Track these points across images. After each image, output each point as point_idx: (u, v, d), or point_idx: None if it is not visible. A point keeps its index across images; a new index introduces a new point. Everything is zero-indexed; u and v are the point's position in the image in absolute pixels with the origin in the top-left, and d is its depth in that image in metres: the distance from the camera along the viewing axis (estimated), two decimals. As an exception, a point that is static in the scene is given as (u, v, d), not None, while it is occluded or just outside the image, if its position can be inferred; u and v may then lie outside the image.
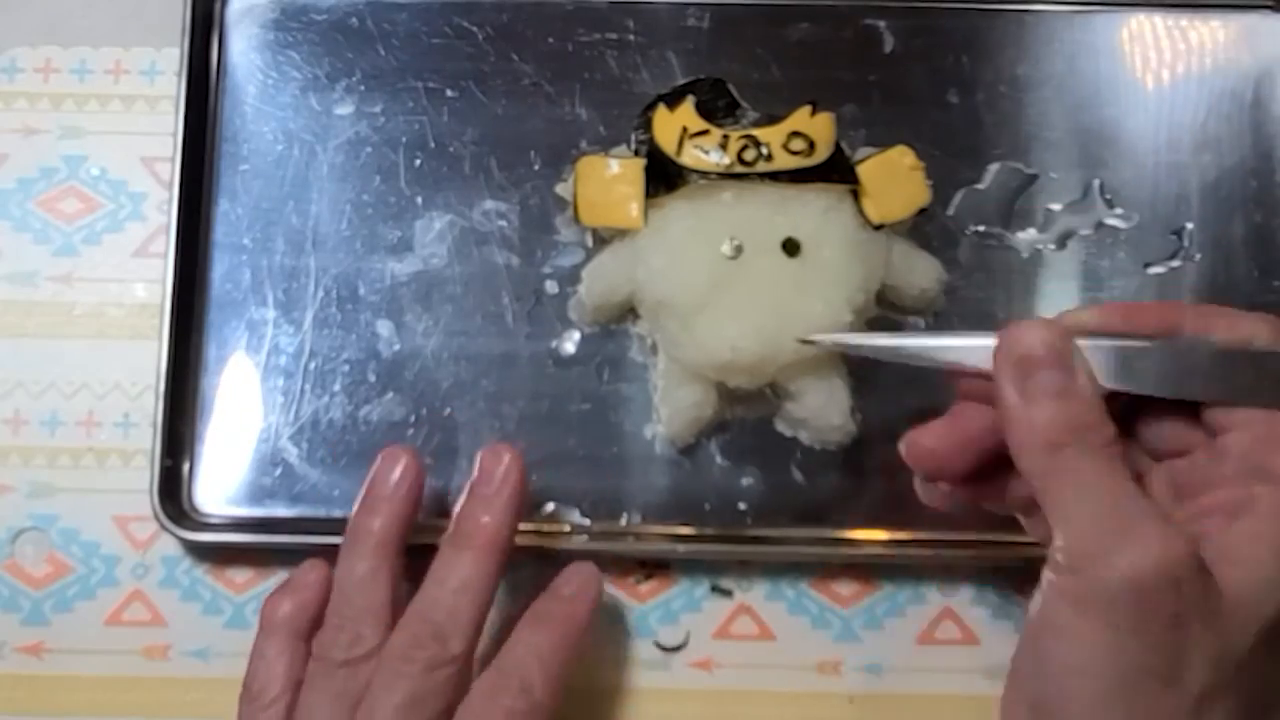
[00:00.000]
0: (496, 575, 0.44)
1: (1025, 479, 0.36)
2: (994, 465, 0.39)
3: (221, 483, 0.49)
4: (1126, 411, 0.38)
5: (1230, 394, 0.36)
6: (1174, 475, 0.38)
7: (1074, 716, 0.34)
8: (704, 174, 0.46)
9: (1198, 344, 0.37)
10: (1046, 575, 0.35)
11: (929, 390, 0.49)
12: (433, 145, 0.51)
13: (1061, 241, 0.51)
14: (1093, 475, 0.35)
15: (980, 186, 0.51)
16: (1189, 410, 0.37)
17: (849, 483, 0.49)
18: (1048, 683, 0.35)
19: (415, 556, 0.48)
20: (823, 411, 0.47)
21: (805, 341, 0.44)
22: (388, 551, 0.44)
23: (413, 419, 0.49)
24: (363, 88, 0.52)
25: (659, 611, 0.49)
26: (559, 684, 0.43)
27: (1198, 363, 0.37)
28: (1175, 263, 0.51)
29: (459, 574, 0.43)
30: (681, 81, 0.50)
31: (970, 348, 0.38)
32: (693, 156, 0.47)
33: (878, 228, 0.47)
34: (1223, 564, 0.34)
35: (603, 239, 0.49)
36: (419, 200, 0.51)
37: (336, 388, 0.49)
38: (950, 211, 0.51)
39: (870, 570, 0.49)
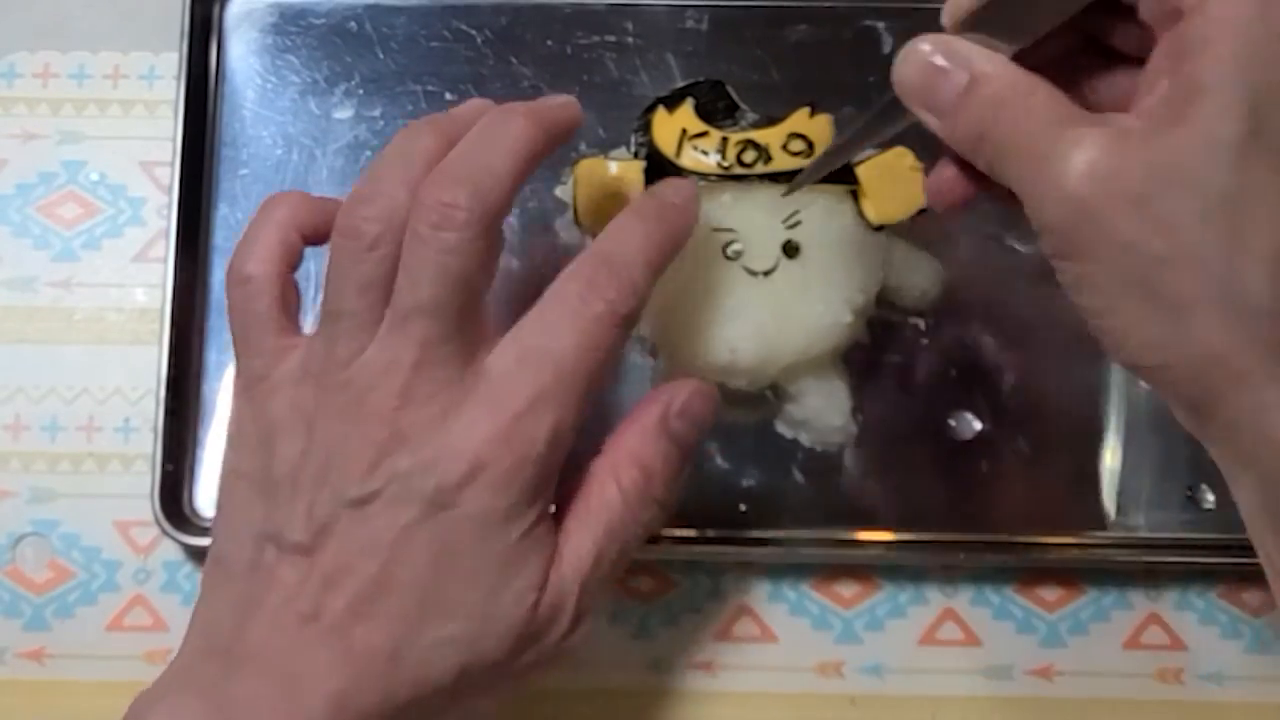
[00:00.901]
0: (543, 148, 0.40)
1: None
2: None
3: (222, 487, 0.49)
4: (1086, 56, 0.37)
5: None
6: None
7: (1138, 347, 0.33)
8: (703, 176, 0.46)
9: None
10: (1053, 264, 0.34)
11: (929, 391, 0.49)
12: (432, 148, 0.51)
13: (1061, 241, 0.51)
14: (1014, 129, 0.33)
15: (980, 187, 0.51)
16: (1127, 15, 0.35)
17: (850, 484, 0.49)
18: (1103, 337, 0.34)
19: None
20: (823, 413, 0.47)
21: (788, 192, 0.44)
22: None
23: (413, 422, 0.49)
24: (361, 91, 0.52)
25: (660, 614, 0.49)
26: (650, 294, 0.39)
27: None
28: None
29: (502, 134, 0.38)
30: (680, 84, 0.50)
31: (892, 104, 0.38)
32: (692, 158, 0.47)
33: (877, 229, 0.47)
34: (1176, 112, 0.31)
35: (602, 241, 0.49)
36: (418, 203, 0.51)
37: (337, 391, 0.49)
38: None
39: (871, 571, 0.49)
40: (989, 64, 0.34)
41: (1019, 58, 0.35)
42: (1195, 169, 0.31)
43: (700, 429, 0.40)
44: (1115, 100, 0.36)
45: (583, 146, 0.51)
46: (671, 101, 0.48)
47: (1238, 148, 0.31)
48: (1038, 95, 0.33)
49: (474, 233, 0.37)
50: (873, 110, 0.39)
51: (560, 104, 0.41)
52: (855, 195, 0.47)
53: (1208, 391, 0.32)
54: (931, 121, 0.36)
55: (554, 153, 0.50)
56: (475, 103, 0.41)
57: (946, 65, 0.35)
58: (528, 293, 0.49)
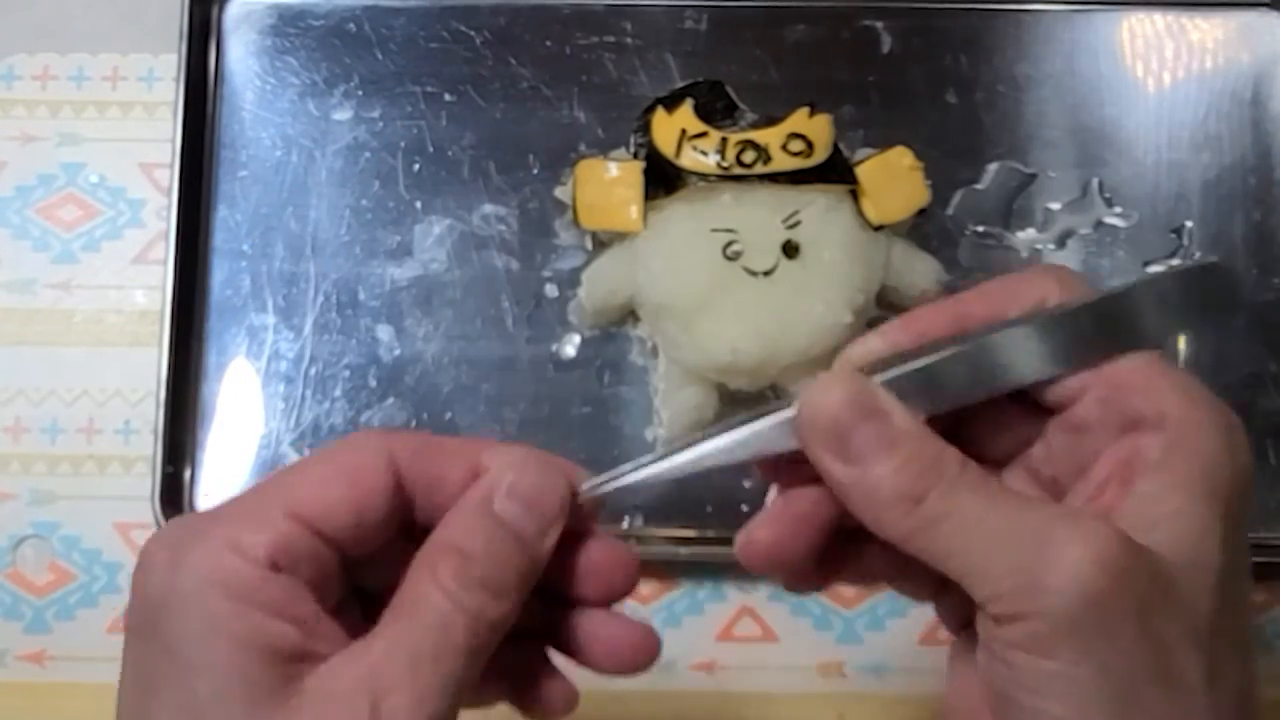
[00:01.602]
0: None
1: (895, 546, 0.31)
2: (841, 543, 0.34)
3: (223, 489, 0.49)
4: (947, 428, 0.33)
5: (1052, 364, 0.32)
6: (1034, 474, 0.34)
7: None
8: (703, 176, 0.46)
9: (994, 331, 0.32)
10: (984, 638, 0.30)
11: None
12: (431, 150, 0.51)
13: (1061, 241, 0.51)
14: (971, 508, 0.30)
15: (979, 186, 0.51)
16: (1016, 400, 0.33)
17: (850, 484, 0.49)
18: None
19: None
20: (824, 413, 0.47)
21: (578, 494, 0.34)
22: None
23: (414, 424, 0.49)
24: (361, 93, 0.52)
25: (661, 614, 0.49)
26: None
27: (1005, 349, 0.32)
28: (1175, 261, 0.51)
29: None
30: (680, 84, 0.50)
31: (767, 431, 0.32)
32: (691, 159, 0.47)
33: (877, 228, 0.47)
34: (1144, 534, 0.29)
35: (602, 242, 0.49)
36: (418, 205, 0.51)
37: (337, 393, 0.49)
38: (949, 211, 0.51)
39: (872, 571, 0.49)
40: (910, 419, 0.31)
41: None
42: (1190, 594, 0.30)
43: (538, 511, 0.33)
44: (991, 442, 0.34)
45: (582, 147, 0.51)
46: (671, 102, 0.48)
47: (1221, 574, 0.30)
48: (973, 466, 0.31)
49: None
50: (753, 426, 0.33)
51: None
52: (855, 195, 0.47)
53: None
54: (836, 469, 0.31)
55: (554, 153, 0.51)
56: None
57: (870, 409, 0.31)
58: (526, 292, 0.50)
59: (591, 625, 0.35)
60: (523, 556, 0.32)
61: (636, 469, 0.34)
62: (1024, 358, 0.32)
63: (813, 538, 0.33)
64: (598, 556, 0.35)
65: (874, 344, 0.33)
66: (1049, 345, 0.32)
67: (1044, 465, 0.33)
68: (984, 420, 0.33)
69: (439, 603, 0.31)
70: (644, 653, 0.35)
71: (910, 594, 0.36)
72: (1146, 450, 0.30)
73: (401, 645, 0.30)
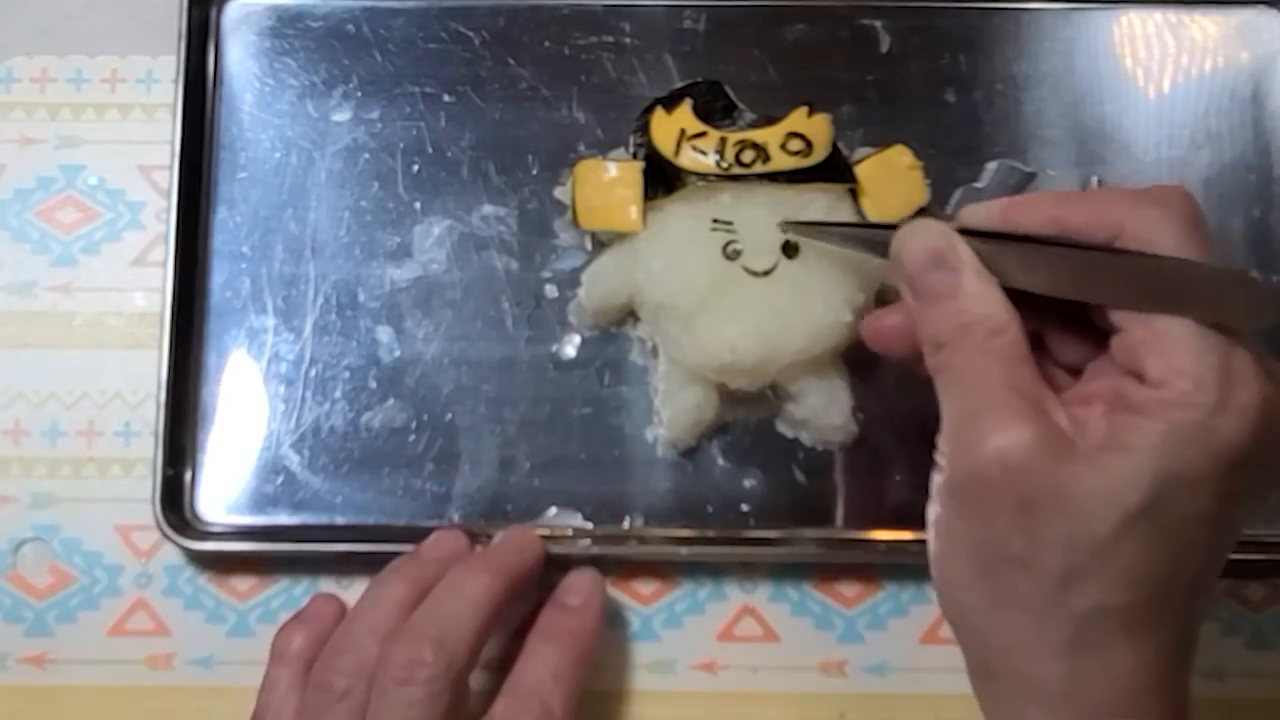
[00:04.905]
0: (506, 601, 0.44)
1: None
2: None
3: (223, 491, 0.49)
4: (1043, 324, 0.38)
5: (1113, 297, 0.35)
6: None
7: (955, 602, 0.36)
8: (702, 176, 0.46)
9: (1094, 248, 0.36)
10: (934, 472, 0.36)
11: (929, 390, 0.49)
12: (430, 151, 0.51)
13: (1061, 239, 0.51)
14: (967, 367, 0.35)
15: (978, 185, 0.51)
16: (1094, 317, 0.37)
17: (851, 483, 0.49)
18: (935, 569, 0.37)
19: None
20: (824, 412, 0.47)
21: (786, 225, 0.45)
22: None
23: (414, 425, 0.49)
24: (360, 94, 0.52)
25: (662, 615, 0.49)
26: (577, 700, 0.43)
27: (1098, 269, 0.36)
28: (1175, 259, 0.51)
29: (468, 590, 0.43)
30: (679, 84, 0.50)
31: (879, 240, 0.39)
32: (691, 158, 0.47)
33: (877, 228, 0.47)
34: (1095, 450, 0.34)
35: (602, 242, 0.49)
36: (417, 206, 0.51)
37: (337, 395, 0.49)
38: (949, 211, 0.51)
39: (873, 570, 0.49)
40: (978, 281, 0.36)
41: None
42: (1088, 515, 0.33)
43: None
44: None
45: (581, 147, 0.51)
46: (670, 102, 0.48)
47: (1128, 513, 0.33)
48: (1003, 338, 0.35)
49: (439, 688, 0.40)
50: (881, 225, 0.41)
51: (520, 549, 0.46)
52: (854, 194, 0.47)
53: (991, 669, 0.36)
54: (906, 297, 0.38)
55: (553, 154, 0.51)
56: (443, 539, 0.46)
57: (944, 261, 0.37)
58: (525, 293, 0.50)
59: None
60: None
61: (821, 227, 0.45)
62: (1114, 284, 0.35)
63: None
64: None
65: (979, 214, 0.38)
66: (1138, 284, 0.35)
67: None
68: (1063, 327, 0.38)
69: None
70: None
71: None
72: (1134, 392, 0.34)
73: None
